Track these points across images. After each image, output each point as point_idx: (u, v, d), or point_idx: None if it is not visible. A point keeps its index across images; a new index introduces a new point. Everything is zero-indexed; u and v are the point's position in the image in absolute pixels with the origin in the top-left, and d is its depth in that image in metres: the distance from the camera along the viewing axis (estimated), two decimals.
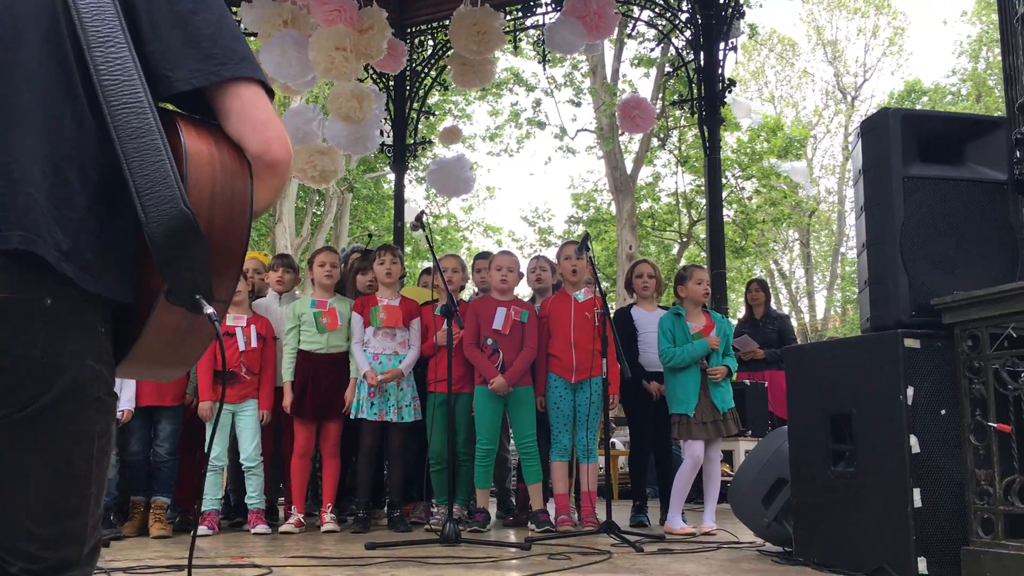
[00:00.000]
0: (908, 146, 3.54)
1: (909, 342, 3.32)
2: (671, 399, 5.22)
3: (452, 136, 9.17)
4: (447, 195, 8.97)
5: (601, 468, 6.85)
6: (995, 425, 3.09)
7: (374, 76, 8.97)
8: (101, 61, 1.20)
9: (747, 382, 7.08)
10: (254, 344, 5.42)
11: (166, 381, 4.87)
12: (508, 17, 8.73)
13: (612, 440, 7.35)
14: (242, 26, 7.50)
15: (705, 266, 6.03)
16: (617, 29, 10.19)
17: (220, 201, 1.23)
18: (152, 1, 1.27)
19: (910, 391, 3.28)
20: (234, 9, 7.71)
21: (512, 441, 5.90)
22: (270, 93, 1.34)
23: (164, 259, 1.15)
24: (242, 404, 5.35)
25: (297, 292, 6.34)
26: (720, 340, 5.21)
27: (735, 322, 8.30)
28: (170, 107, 1.29)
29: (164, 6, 1.28)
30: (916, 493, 3.22)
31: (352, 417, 5.37)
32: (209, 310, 1.18)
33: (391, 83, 9.43)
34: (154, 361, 1.30)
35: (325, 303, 5.54)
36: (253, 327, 5.45)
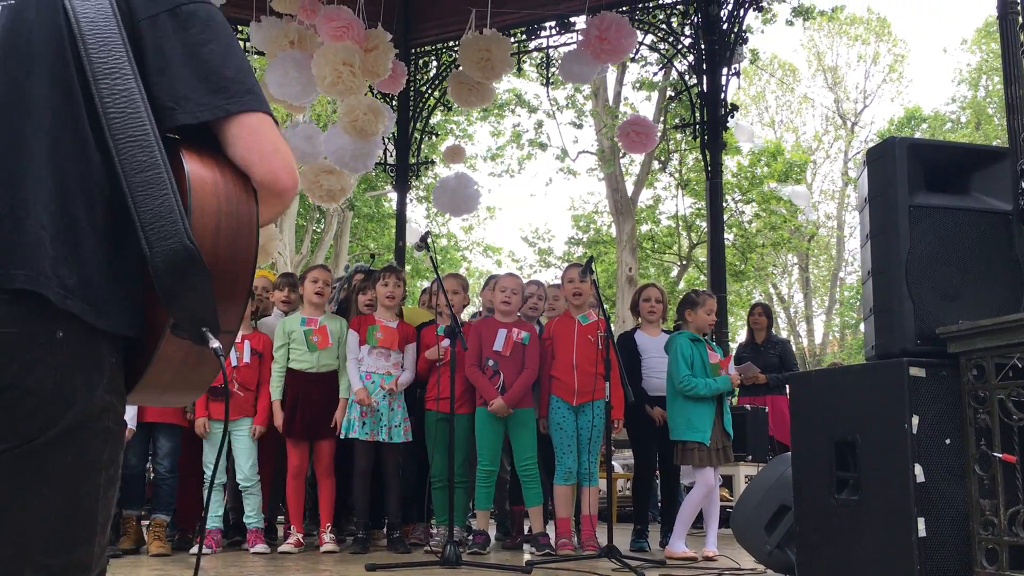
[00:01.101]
0: (914, 175, 3.54)
1: (914, 371, 3.32)
2: (680, 426, 5.17)
3: (456, 155, 9.19)
4: (452, 213, 8.95)
5: (601, 491, 6.82)
6: (1000, 455, 3.09)
7: (377, 96, 9.01)
8: (107, 93, 1.18)
9: (748, 407, 7.07)
10: (247, 360, 5.37)
11: (178, 406, 4.88)
12: (512, 40, 8.79)
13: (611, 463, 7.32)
14: (251, 44, 7.57)
15: (709, 291, 6.03)
16: None
17: (225, 231, 1.21)
18: (159, 32, 1.26)
19: (915, 420, 3.27)
20: (243, 28, 7.78)
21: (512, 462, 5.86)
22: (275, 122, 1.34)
23: (168, 293, 1.14)
24: (236, 422, 5.30)
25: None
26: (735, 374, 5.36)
27: (734, 346, 8.31)
28: (173, 135, 1.27)
29: (172, 37, 1.26)
30: (920, 522, 3.20)
31: (343, 437, 5.33)
32: (215, 344, 1.17)
33: (394, 102, 9.48)
34: (163, 390, 1.30)
35: (315, 321, 5.50)
36: (248, 343, 5.40)
